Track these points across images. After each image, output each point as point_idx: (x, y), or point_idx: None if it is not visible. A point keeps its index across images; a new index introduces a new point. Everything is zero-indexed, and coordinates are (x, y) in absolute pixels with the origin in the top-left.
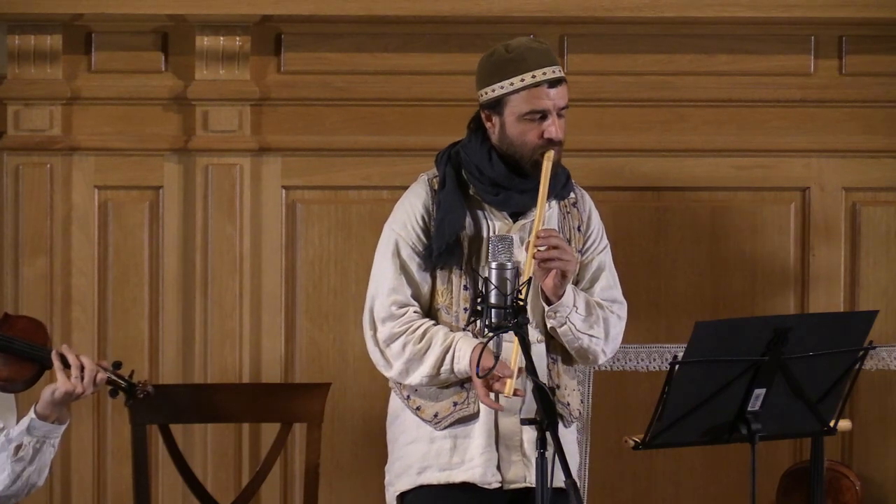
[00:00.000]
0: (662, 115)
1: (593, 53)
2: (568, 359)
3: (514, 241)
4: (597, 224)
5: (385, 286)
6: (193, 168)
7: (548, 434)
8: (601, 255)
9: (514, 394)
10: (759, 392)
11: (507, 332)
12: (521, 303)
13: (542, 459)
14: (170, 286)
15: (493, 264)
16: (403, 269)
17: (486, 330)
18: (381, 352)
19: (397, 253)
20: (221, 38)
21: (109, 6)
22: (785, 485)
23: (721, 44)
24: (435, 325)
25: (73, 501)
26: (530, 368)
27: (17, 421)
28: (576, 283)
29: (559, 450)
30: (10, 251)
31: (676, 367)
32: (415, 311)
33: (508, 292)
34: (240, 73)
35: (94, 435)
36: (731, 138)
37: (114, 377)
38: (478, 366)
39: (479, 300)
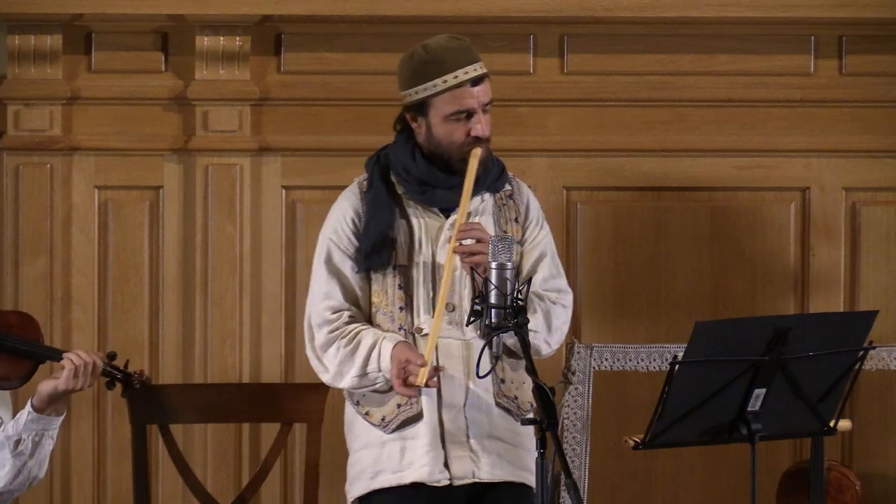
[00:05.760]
0: (662, 115)
1: (593, 53)
2: (512, 352)
3: (512, 241)
4: (536, 213)
5: (319, 293)
6: (193, 168)
7: (548, 434)
8: (542, 243)
9: (426, 385)
10: (759, 392)
11: (507, 332)
12: (521, 302)
13: (542, 459)
14: (170, 286)
15: (494, 264)
16: (336, 273)
17: (485, 330)
18: (319, 358)
19: (330, 258)
20: (221, 38)
21: (109, 6)
22: (785, 485)
23: (721, 44)
24: (367, 327)
25: (72, 501)
26: (530, 368)
27: (13, 415)
28: (518, 274)
29: (559, 449)
30: (10, 251)
31: (676, 367)
32: (350, 316)
33: (508, 292)
34: (240, 73)
35: (93, 434)
36: (731, 138)
37: (108, 368)
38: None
39: (478, 300)
